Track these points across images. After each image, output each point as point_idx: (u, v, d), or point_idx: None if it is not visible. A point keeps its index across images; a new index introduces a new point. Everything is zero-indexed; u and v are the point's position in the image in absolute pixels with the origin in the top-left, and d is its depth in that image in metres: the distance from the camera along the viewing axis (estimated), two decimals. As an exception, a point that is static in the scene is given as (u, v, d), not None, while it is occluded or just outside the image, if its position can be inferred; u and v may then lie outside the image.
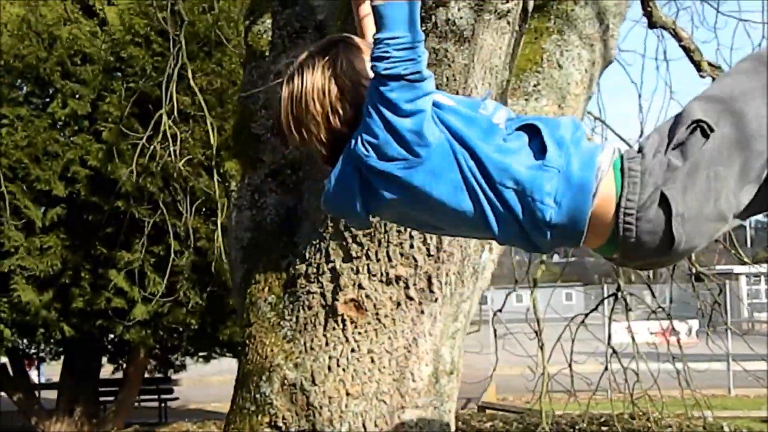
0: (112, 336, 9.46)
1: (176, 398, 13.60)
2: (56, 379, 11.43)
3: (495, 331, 5.81)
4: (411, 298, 2.35)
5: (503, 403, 12.32)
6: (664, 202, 1.23)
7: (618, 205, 1.27)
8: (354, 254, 2.28)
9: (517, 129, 1.35)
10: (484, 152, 1.28)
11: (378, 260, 2.29)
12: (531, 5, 2.28)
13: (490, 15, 2.00)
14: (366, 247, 2.29)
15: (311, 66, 1.32)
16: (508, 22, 2.07)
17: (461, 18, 1.98)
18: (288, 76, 1.37)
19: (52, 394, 10.70)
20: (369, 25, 1.44)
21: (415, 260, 2.30)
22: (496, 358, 5.79)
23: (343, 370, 2.33)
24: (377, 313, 2.32)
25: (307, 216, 2.51)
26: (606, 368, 6.05)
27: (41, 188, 7.83)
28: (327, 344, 2.33)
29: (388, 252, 2.29)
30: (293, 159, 2.68)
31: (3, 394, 10.66)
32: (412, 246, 2.28)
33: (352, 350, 2.32)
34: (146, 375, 11.71)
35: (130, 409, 10.84)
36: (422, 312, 2.38)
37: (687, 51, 4.03)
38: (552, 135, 1.30)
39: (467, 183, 1.29)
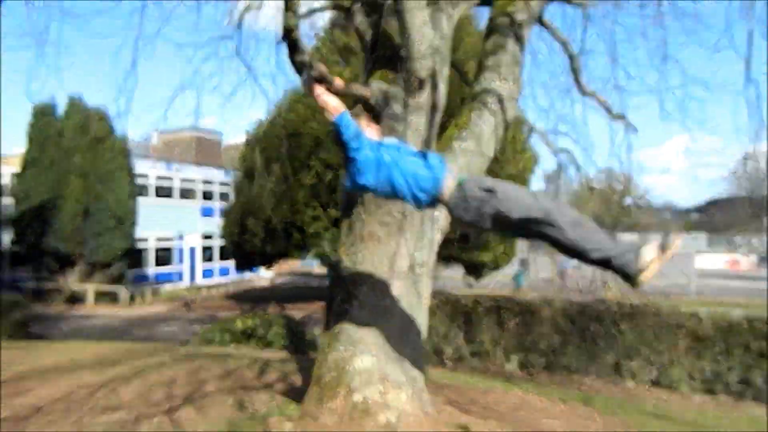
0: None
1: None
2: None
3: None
4: (394, 231, 4.62)
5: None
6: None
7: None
8: (368, 211, 4.63)
9: (415, 153, 3.52)
10: (403, 162, 3.46)
11: (378, 215, 4.61)
12: (440, 100, 4.51)
13: (411, 108, 4.26)
14: (375, 209, 4.63)
15: None
16: (422, 107, 4.33)
17: (398, 111, 4.29)
18: None
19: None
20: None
21: (395, 216, 4.59)
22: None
23: (367, 258, 4.64)
24: (379, 237, 4.61)
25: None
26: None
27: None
28: (359, 249, 4.66)
29: (383, 212, 4.61)
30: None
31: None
32: (390, 210, 4.58)
33: (370, 251, 4.63)
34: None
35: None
36: (400, 238, 4.63)
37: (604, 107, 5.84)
38: (431, 158, 3.46)
39: (392, 176, 3.45)
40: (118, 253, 20.99)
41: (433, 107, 4.30)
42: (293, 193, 16.84)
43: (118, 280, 21.16)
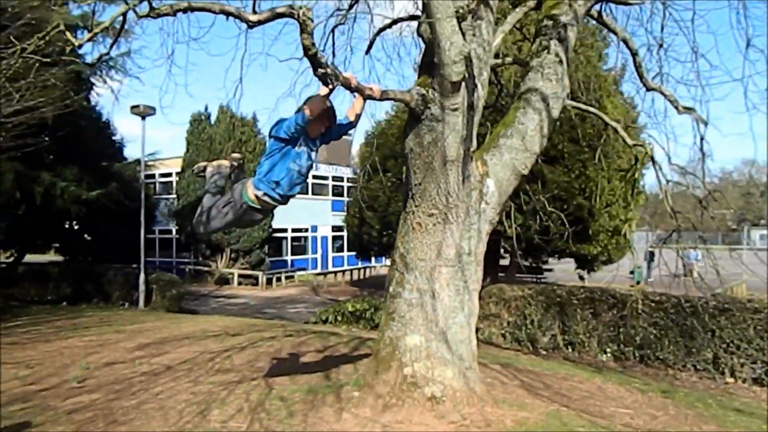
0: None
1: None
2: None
3: None
4: (440, 222, 4.82)
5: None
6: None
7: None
8: (416, 203, 4.86)
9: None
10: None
11: (425, 207, 4.83)
12: (479, 101, 4.62)
13: (448, 110, 4.43)
14: (422, 201, 4.85)
15: None
16: (457, 109, 4.47)
17: (436, 113, 4.46)
18: None
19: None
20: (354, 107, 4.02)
21: (440, 208, 4.78)
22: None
23: (417, 247, 4.88)
24: (427, 227, 4.83)
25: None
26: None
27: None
28: (411, 238, 4.91)
29: (429, 204, 4.82)
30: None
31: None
32: (436, 203, 4.77)
33: (419, 240, 4.87)
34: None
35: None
36: (445, 228, 4.81)
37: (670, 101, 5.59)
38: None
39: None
40: (257, 242, 22.77)
41: (470, 108, 4.44)
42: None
43: (258, 265, 22.96)
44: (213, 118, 24.09)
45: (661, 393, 7.51)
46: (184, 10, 3.67)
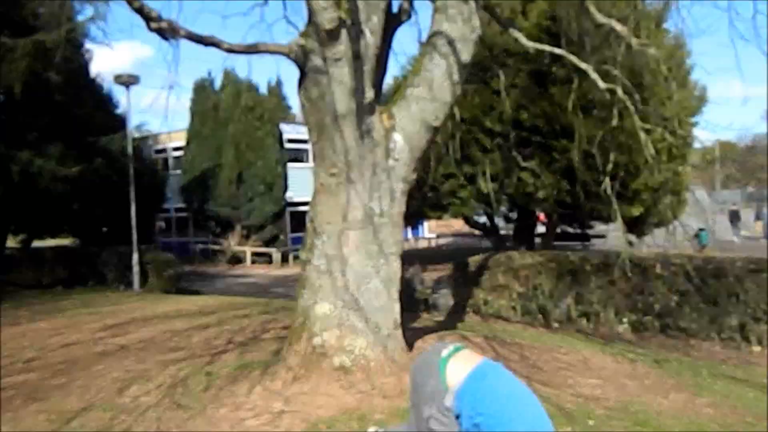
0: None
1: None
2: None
3: None
4: (342, 181, 5.01)
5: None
6: None
7: None
8: (317, 163, 5.06)
9: None
10: None
11: (325, 166, 5.03)
12: (368, 50, 4.73)
13: (330, 60, 4.57)
14: (321, 161, 5.05)
15: None
16: (341, 59, 4.58)
17: (318, 64, 4.61)
18: None
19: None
20: None
21: (340, 167, 4.97)
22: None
23: (324, 210, 5.09)
24: (331, 188, 5.04)
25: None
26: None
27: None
28: (317, 201, 5.12)
29: (328, 163, 5.01)
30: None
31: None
32: (335, 161, 4.97)
33: (324, 203, 5.07)
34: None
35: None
36: (349, 188, 5.00)
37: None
38: None
39: None
40: (269, 217, 23.41)
41: (358, 57, 4.58)
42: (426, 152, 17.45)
43: (272, 242, 23.64)
44: (217, 84, 24.66)
45: (652, 363, 7.54)
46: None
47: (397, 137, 5.02)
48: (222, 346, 7.66)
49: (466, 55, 4.94)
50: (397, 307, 5.41)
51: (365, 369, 5.05)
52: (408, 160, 5.12)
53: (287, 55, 4.52)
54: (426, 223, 33.08)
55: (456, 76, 4.97)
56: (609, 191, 7.62)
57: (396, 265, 5.35)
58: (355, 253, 5.09)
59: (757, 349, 9.20)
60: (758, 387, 6.63)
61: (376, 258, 5.16)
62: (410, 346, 6.59)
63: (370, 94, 4.76)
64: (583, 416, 4.81)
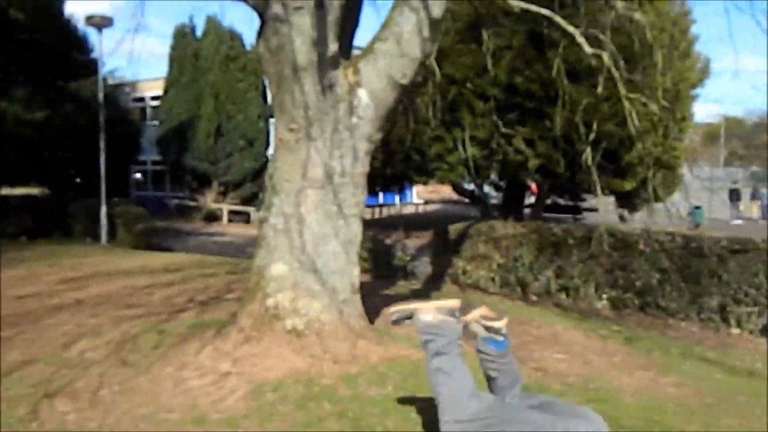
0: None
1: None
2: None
3: None
4: (302, 138, 4.96)
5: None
6: None
7: None
8: (277, 117, 4.99)
9: None
10: None
11: (284, 120, 4.96)
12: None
13: (290, 8, 4.47)
14: (281, 114, 4.97)
15: None
16: (302, 8, 4.47)
17: (279, 11, 4.51)
18: None
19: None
20: None
21: (299, 122, 4.92)
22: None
23: (282, 167, 5.05)
24: (290, 144, 4.98)
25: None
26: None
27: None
28: (276, 156, 5.07)
29: (288, 118, 4.94)
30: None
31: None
32: (294, 116, 4.90)
33: (283, 159, 5.03)
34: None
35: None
36: (309, 145, 4.95)
37: None
38: None
39: None
40: (249, 174, 23.28)
41: (320, 6, 4.48)
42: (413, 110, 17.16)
43: (251, 200, 23.54)
44: (199, 32, 24.23)
45: (624, 340, 7.64)
46: None
47: (362, 94, 4.94)
48: (181, 305, 7.66)
49: (437, 11, 4.83)
50: (356, 271, 5.40)
51: (319, 333, 5.06)
52: (373, 118, 5.05)
53: (245, 1, 4.41)
54: (414, 189, 33.07)
55: (427, 33, 4.87)
56: (590, 161, 7.60)
57: (356, 227, 5.32)
58: (314, 213, 5.06)
59: (735, 331, 9.33)
60: (727, 369, 6.73)
61: (336, 219, 5.13)
62: (378, 313, 6.66)
63: (333, 46, 4.67)
64: (536, 391, 4.86)
